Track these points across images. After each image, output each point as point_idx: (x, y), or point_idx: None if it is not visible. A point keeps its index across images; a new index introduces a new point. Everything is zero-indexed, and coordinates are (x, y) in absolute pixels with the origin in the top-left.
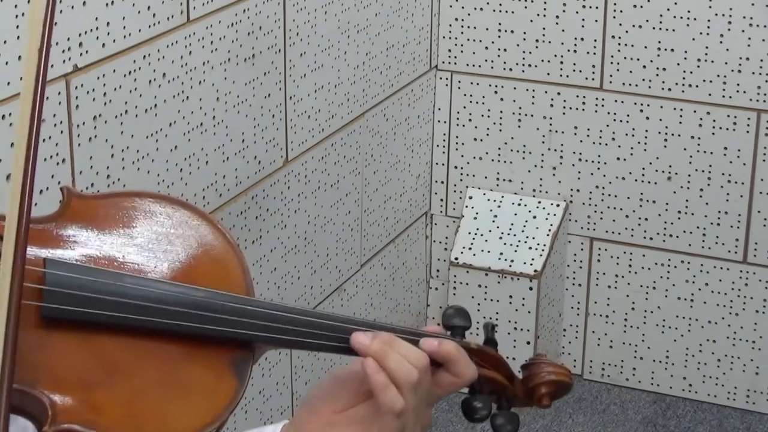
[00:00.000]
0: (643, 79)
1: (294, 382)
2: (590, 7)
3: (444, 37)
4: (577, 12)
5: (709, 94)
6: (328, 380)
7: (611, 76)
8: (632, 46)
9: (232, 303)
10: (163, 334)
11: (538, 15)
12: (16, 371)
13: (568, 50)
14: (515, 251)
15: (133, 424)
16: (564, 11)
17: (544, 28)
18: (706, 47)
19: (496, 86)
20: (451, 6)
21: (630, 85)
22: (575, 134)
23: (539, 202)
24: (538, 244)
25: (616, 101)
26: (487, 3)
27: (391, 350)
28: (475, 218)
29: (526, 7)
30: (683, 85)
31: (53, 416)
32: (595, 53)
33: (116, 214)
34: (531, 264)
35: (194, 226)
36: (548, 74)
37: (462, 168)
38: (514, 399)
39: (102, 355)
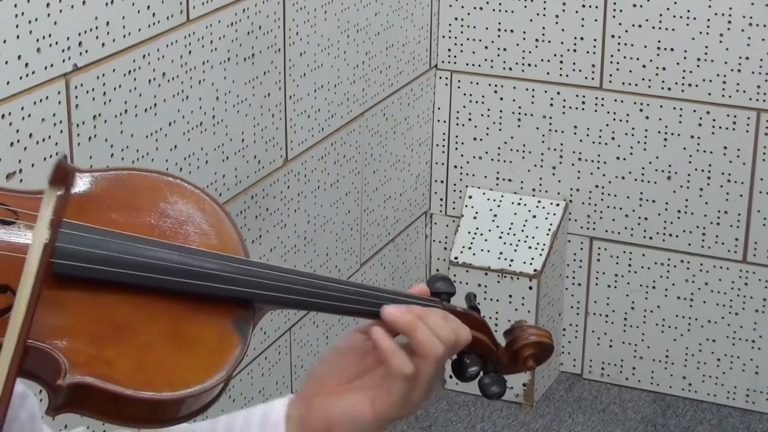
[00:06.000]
0: (643, 79)
1: (294, 381)
2: (590, 6)
3: (444, 37)
4: (576, 11)
5: (709, 94)
6: (331, 354)
7: (611, 75)
8: (632, 45)
9: (230, 263)
10: (166, 293)
11: (537, 14)
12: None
13: (568, 50)
14: (515, 251)
15: (143, 377)
16: (564, 11)
17: (543, 28)
18: (706, 47)
19: (495, 86)
20: (450, 5)
21: (630, 84)
22: (575, 134)
23: (539, 202)
24: (537, 244)
25: (615, 101)
26: (487, 2)
27: (421, 323)
28: (475, 218)
29: (525, 7)
30: (683, 84)
31: (67, 370)
32: (594, 53)
33: (116, 186)
34: (531, 263)
35: (189, 197)
36: (548, 74)
37: (462, 167)
38: (499, 364)
39: (110, 313)
